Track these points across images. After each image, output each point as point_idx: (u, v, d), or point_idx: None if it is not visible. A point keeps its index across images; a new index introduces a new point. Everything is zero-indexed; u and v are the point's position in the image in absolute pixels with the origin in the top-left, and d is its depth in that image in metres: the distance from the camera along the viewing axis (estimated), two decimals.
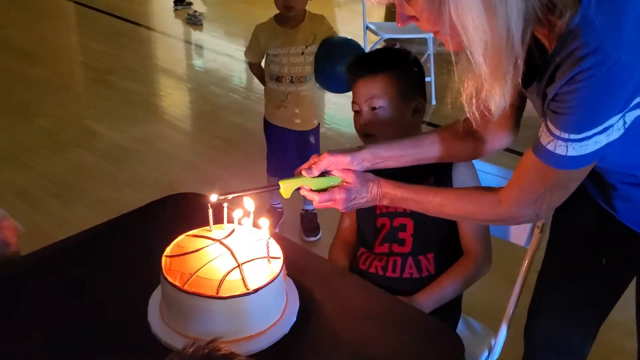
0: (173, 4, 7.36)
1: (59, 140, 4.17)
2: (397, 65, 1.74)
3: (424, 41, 4.86)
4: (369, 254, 1.77)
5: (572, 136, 1.12)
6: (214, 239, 1.40)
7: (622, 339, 2.34)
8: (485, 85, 1.14)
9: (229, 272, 1.29)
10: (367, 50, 4.26)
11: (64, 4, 7.69)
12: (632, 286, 1.52)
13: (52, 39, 6.43)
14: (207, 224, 1.43)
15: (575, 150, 1.13)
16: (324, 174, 1.45)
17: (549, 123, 1.16)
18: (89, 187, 3.64)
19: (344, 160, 1.44)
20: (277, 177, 2.93)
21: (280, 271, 1.33)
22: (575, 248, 1.54)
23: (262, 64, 3.02)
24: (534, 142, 1.20)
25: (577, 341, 1.60)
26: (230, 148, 4.13)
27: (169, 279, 1.28)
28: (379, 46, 4.72)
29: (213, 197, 1.38)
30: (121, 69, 5.47)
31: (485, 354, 1.79)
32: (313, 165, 1.43)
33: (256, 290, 1.26)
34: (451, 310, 1.76)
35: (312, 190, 1.44)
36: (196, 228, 1.45)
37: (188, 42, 6.71)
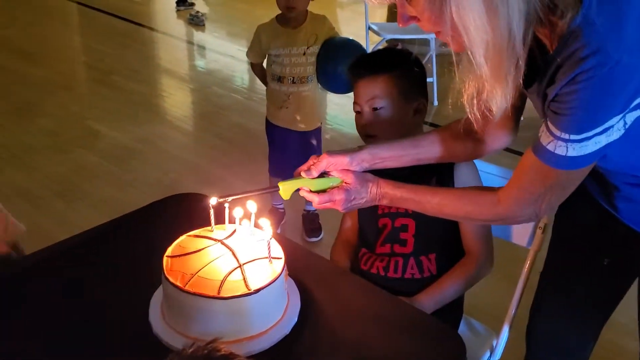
0: (175, 5, 7.36)
1: (61, 141, 4.17)
2: (398, 65, 1.74)
3: (426, 42, 4.86)
4: (370, 254, 1.77)
5: (572, 137, 1.12)
6: (215, 239, 1.40)
7: (624, 340, 2.33)
8: (486, 86, 1.13)
9: (230, 273, 1.30)
10: (369, 50, 4.26)
11: (66, 5, 7.70)
12: (635, 287, 1.52)
13: (55, 39, 6.43)
14: (209, 224, 1.43)
15: (575, 150, 1.13)
16: (323, 174, 1.45)
17: (549, 123, 1.16)
18: (91, 187, 3.64)
19: (343, 160, 1.44)
20: (278, 177, 2.93)
21: (282, 271, 1.33)
22: (577, 248, 1.54)
23: (264, 65, 3.02)
24: (534, 142, 1.20)
25: (579, 342, 1.60)
26: (232, 148, 4.13)
27: (170, 279, 1.28)
28: (381, 47, 4.71)
29: (213, 200, 1.38)
30: (123, 70, 5.48)
31: (487, 354, 1.79)
32: (312, 166, 1.43)
33: (257, 291, 1.26)
34: (453, 310, 1.76)
35: (311, 191, 1.44)
36: (197, 228, 1.45)
37: (190, 42, 6.71)
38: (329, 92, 3.35)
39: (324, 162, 1.43)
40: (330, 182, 1.45)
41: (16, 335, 1.32)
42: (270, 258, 1.34)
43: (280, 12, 2.84)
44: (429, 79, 4.54)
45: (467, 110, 1.21)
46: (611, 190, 1.38)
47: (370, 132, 1.74)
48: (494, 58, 1.08)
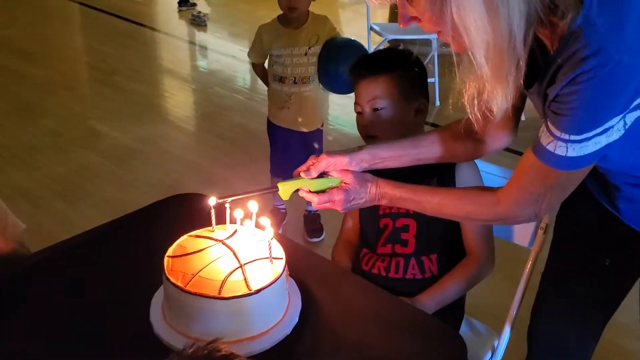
0: (177, 5, 7.37)
1: (62, 141, 4.18)
2: (399, 66, 1.74)
3: (428, 42, 4.86)
4: (371, 254, 1.77)
5: (572, 137, 1.12)
6: (216, 240, 1.40)
7: (624, 341, 2.33)
8: (487, 87, 1.13)
9: (231, 273, 1.29)
10: (371, 51, 4.26)
11: (68, 5, 7.70)
12: (636, 288, 1.52)
13: (56, 39, 6.44)
14: (210, 224, 1.43)
15: (575, 151, 1.13)
16: (322, 175, 1.45)
17: (549, 124, 1.16)
18: (93, 187, 3.64)
19: (342, 161, 1.44)
20: (280, 178, 2.92)
21: (283, 272, 1.33)
22: (579, 249, 1.54)
23: (266, 65, 3.02)
24: (534, 143, 1.20)
25: (580, 342, 1.60)
26: (234, 149, 4.13)
27: (171, 279, 1.28)
28: (383, 47, 4.71)
29: (212, 201, 1.38)
30: (125, 70, 5.48)
31: (489, 355, 1.78)
32: (311, 167, 1.43)
33: (258, 291, 1.26)
34: (454, 311, 1.76)
35: (310, 191, 1.44)
36: (199, 228, 1.45)
37: (192, 43, 6.72)
38: (331, 93, 3.35)
39: (323, 162, 1.43)
40: (329, 183, 1.45)
41: (17, 335, 1.32)
42: (271, 258, 1.34)
43: (281, 12, 2.84)
44: (430, 80, 4.55)
45: (468, 110, 1.21)
46: (612, 190, 1.38)
47: (372, 132, 1.74)
48: (495, 58, 1.08)
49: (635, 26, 1.04)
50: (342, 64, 2.69)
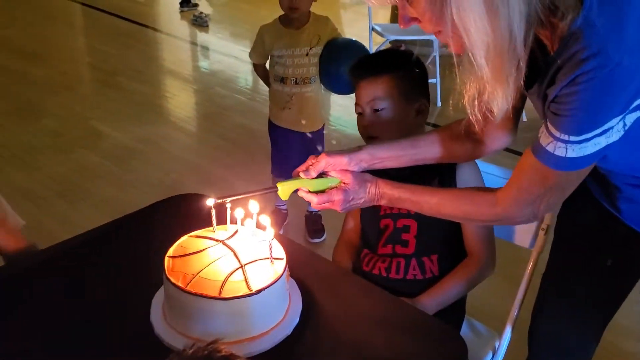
0: (179, 6, 7.37)
1: (63, 141, 4.18)
2: (399, 66, 1.74)
3: (430, 43, 4.85)
4: (372, 255, 1.77)
5: (572, 138, 1.12)
6: (216, 240, 1.40)
7: (625, 342, 2.33)
8: (487, 87, 1.14)
9: (231, 273, 1.29)
10: (373, 51, 4.26)
11: (70, 5, 7.71)
12: (637, 288, 1.52)
13: (58, 39, 6.45)
14: (210, 224, 1.43)
15: (574, 151, 1.13)
16: (322, 175, 1.45)
17: (548, 124, 1.16)
18: (94, 187, 3.64)
19: (342, 161, 1.44)
20: (281, 178, 2.91)
21: (283, 272, 1.32)
22: (580, 249, 1.54)
23: (267, 65, 3.02)
24: (534, 143, 1.20)
25: (580, 343, 1.59)
26: (235, 149, 4.13)
27: (172, 279, 1.27)
28: (384, 48, 4.71)
29: (210, 201, 1.38)
30: (127, 70, 5.48)
31: (490, 356, 1.78)
32: (310, 167, 1.43)
33: (259, 291, 1.26)
34: (455, 312, 1.76)
35: (310, 191, 1.44)
36: (199, 229, 1.45)
37: (194, 43, 6.72)
38: (332, 93, 3.35)
39: (323, 162, 1.43)
40: (328, 183, 1.44)
41: (17, 335, 1.32)
42: (272, 259, 1.34)
43: (283, 12, 2.84)
44: (432, 80, 4.56)
45: (469, 111, 1.21)
46: (613, 191, 1.38)
47: (372, 133, 1.74)
48: (495, 59, 1.08)
49: (635, 27, 1.04)
50: (344, 64, 2.69)
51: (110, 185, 3.66)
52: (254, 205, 1.42)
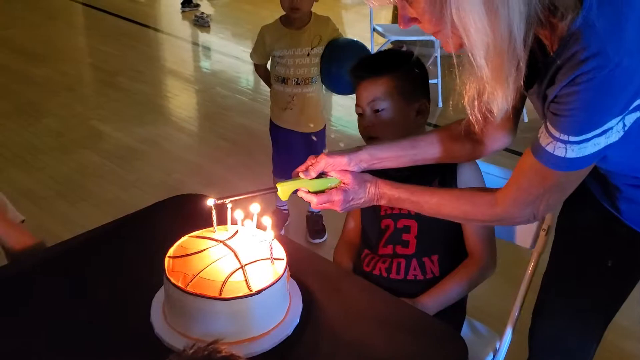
0: (180, 6, 7.37)
1: (65, 141, 4.18)
2: (399, 67, 1.74)
3: (431, 43, 4.85)
4: (372, 255, 1.77)
5: (572, 138, 1.12)
6: (217, 240, 1.40)
7: (625, 342, 2.33)
8: (487, 88, 1.14)
9: (232, 274, 1.29)
10: (374, 52, 4.25)
11: (71, 5, 7.72)
12: (638, 289, 1.52)
13: (60, 40, 6.45)
14: (211, 225, 1.43)
15: (574, 152, 1.13)
16: (321, 175, 1.45)
17: (548, 125, 1.16)
18: (95, 187, 3.65)
19: (341, 161, 1.44)
20: (282, 179, 2.92)
21: (284, 272, 1.32)
22: (580, 250, 1.54)
23: (268, 66, 3.02)
24: (533, 143, 1.20)
25: (581, 343, 1.59)
26: (236, 149, 4.13)
27: (172, 279, 1.28)
28: (386, 48, 4.71)
29: (210, 202, 1.38)
30: (128, 70, 5.48)
31: (490, 356, 1.78)
32: (310, 167, 1.43)
33: (259, 292, 1.26)
34: (456, 312, 1.76)
35: (310, 191, 1.44)
36: (199, 229, 1.45)
37: (195, 43, 6.73)
38: (334, 94, 3.35)
39: (322, 162, 1.43)
40: (328, 183, 1.44)
41: (19, 335, 1.32)
42: (272, 259, 1.34)
43: (284, 13, 2.84)
44: (433, 81, 4.55)
45: (468, 111, 1.21)
46: (613, 191, 1.38)
47: (373, 133, 1.74)
48: (495, 60, 1.08)
49: (634, 28, 1.04)
50: (345, 65, 2.68)
51: (111, 186, 3.66)
52: (254, 206, 1.42)
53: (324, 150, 3.04)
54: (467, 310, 1.83)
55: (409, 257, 1.71)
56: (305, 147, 3.00)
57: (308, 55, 2.84)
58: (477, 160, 1.67)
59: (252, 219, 1.43)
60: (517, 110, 1.38)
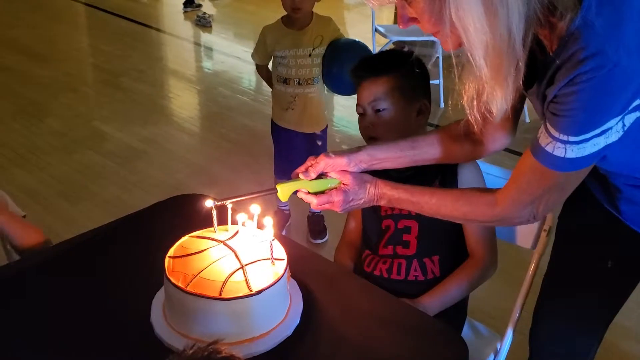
0: (182, 6, 7.37)
1: (68, 141, 4.19)
2: (400, 67, 1.74)
3: (433, 44, 4.84)
4: (373, 256, 1.77)
5: (571, 138, 1.12)
6: (217, 240, 1.40)
7: (626, 343, 2.32)
8: (486, 88, 1.14)
9: (232, 274, 1.29)
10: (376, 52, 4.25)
11: (74, 6, 7.72)
12: (638, 289, 1.52)
13: (62, 40, 6.46)
14: (211, 225, 1.43)
15: (573, 152, 1.13)
16: (321, 176, 1.45)
17: (548, 125, 1.16)
18: (97, 187, 3.65)
19: (341, 162, 1.44)
20: (284, 179, 2.92)
21: (284, 273, 1.32)
22: (581, 251, 1.53)
23: (270, 66, 3.02)
24: (533, 143, 1.20)
25: (582, 344, 1.59)
26: (238, 150, 4.13)
27: (172, 279, 1.28)
28: (388, 49, 4.70)
29: (209, 203, 1.38)
30: (130, 71, 5.49)
31: (491, 357, 1.78)
32: (310, 168, 1.43)
33: (259, 292, 1.26)
34: (456, 313, 1.75)
35: (309, 192, 1.44)
36: (200, 229, 1.45)
37: (197, 44, 6.72)
38: (336, 94, 3.35)
39: (322, 163, 1.43)
40: (328, 184, 1.45)
41: (18, 335, 1.32)
42: (273, 259, 1.34)
43: (286, 13, 2.84)
44: (435, 81, 4.54)
45: (467, 111, 1.21)
46: (613, 192, 1.38)
47: (373, 133, 1.74)
48: (494, 59, 1.08)
49: (633, 28, 1.04)
50: (346, 65, 2.67)
51: (113, 186, 3.67)
52: (255, 207, 1.42)
53: (326, 150, 3.05)
54: (468, 310, 1.83)
55: (410, 257, 1.71)
56: (307, 148, 3.00)
57: (310, 55, 2.83)
58: (478, 161, 1.67)
59: (252, 219, 1.43)
60: (516, 110, 1.38)
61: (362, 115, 1.77)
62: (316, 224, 3.23)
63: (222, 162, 3.97)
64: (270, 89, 3.06)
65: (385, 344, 1.34)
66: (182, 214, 1.69)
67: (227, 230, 1.44)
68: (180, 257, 1.35)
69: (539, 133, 1.19)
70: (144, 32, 6.80)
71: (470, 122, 1.25)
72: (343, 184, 1.44)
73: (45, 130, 4.35)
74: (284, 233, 3.17)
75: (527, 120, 3.90)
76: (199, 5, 7.41)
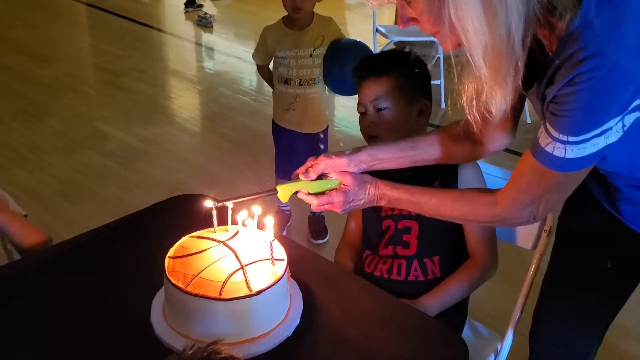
0: (184, 6, 7.38)
1: (68, 141, 4.19)
2: (400, 67, 1.74)
3: (434, 44, 4.84)
4: (373, 256, 1.77)
5: (571, 138, 1.12)
6: (217, 241, 1.40)
7: (627, 343, 2.32)
8: (485, 88, 1.14)
9: (232, 274, 1.29)
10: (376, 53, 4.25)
11: (75, 6, 7.73)
12: (639, 290, 1.52)
13: (63, 40, 6.46)
14: (211, 225, 1.43)
15: (573, 152, 1.13)
16: (321, 176, 1.45)
17: (547, 125, 1.16)
18: (98, 187, 3.65)
19: (341, 162, 1.44)
20: (285, 179, 2.92)
21: (284, 273, 1.32)
22: (581, 251, 1.53)
23: (271, 67, 3.02)
24: (533, 144, 1.20)
25: (582, 345, 1.59)
26: (239, 150, 4.13)
27: (172, 280, 1.28)
28: (389, 49, 4.70)
29: (208, 203, 1.38)
30: (132, 71, 5.49)
31: (492, 358, 1.78)
32: (310, 168, 1.43)
33: (259, 292, 1.26)
34: (457, 313, 1.75)
35: (310, 193, 1.44)
36: (200, 229, 1.45)
37: (198, 44, 6.73)
38: (337, 94, 3.35)
39: (322, 163, 1.43)
40: (328, 184, 1.45)
41: (17, 335, 1.32)
42: (273, 260, 1.34)
43: (287, 13, 2.84)
44: (436, 82, 4.55)
45: (467, 112, 1.21)
46: (613, 192, 1.38)
47: (374, 132, 1.74)
48: (493, 60, 1.08)
49: (633, 28, 1.04)
50: (347, 65, 2.67)
51: (114, 186, 3.67)
52: (255, 207, 1.42)
53: (327, 151, 3.05)
54: (468, 311, 1.83)
55: (410, 258, 1.71)
56: (308, 148, 3.00)
57: (311, 56, 2.83)
58: (478, 161, 1.67)
59: (252, 217, 1.43)
60: (516, 110, 1.38)
61: (363, 114, 1.77)
62: (317, 224, 3.23)
63: (223, 162, 3.97)
64: (272, 90, 3.06)
65: (385, 345, 1.34)
66: (182, 214, 1.69)
67: (227, 231, 1.44)
68: (181, 257, 1.35)
69: (538, 133, 1.19)
70: (145, 32, 6.80)
71: (470, 122, 1.25)
72: (343, 184, 1.44)
73: (46, 130, 4.35)
74: (284, 233, 3.17)
75: (528, 120, 3.91)
76: (200, 6, 7.42)
